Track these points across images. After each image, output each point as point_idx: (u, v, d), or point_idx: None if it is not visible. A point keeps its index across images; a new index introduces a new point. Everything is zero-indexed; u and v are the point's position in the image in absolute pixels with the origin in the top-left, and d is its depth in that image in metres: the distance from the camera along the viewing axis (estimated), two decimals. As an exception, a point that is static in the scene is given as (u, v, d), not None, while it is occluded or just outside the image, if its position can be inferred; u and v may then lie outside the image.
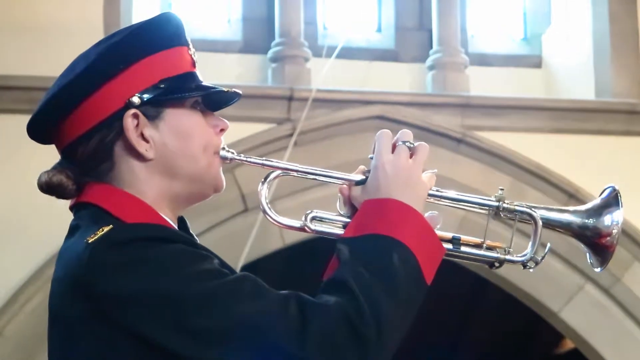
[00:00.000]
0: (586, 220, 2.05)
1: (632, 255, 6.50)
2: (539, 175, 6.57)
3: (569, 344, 8.69)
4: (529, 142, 6.63)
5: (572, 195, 6.51)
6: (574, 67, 7.06)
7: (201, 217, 5.79)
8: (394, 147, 1.97)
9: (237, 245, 6.08)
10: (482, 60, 7.20)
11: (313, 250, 6.78)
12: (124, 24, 6.12)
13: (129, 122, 1.92)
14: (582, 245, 2.07)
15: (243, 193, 6.12)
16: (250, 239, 6.12)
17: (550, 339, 9.17)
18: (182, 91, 1.95)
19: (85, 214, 1.92)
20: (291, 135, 6.32)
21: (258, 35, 6.92)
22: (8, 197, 5.90)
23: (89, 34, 5.80)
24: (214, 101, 2.03)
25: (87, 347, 1.81)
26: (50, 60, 5.76)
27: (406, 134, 1.99)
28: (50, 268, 6.07)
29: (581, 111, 6.72)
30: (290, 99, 6.38)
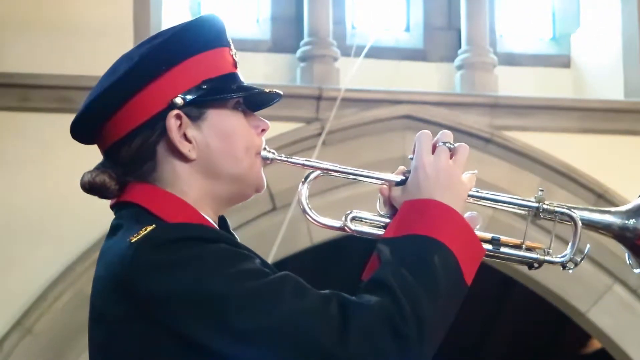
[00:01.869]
0: (626, 221, 2.04)
1: (661, 256, 6.47)
2: (567, 176, 6.56)
3: (596, 344, 8.67)
4: (557, 142, 6.62)
5: (601, 196, 6.49)
6: (603, 67, 7.04)
7: (230, 216, 5.76)
8: (434, 147, 1.97)
9: (265, 244, 6.09)
10: (511, 60, 7.18)
11: (340, 250, 6.81)
12: (153, 25, 6.16)
13: (172, 122, 1.92)
14: (621, 247, 2.07)
15: (272, 192, 6.15)
16: (279, 238, 6.14)
17: (577, 339, 9.15)
18: (225, 92, 1.96)
19: (127, 214, 1.93)
20: (319, 134, 6.33)
21: (287, 35, 6.94)
22: (39, 195, 5.93)
23: (119, 33, 5.85)
24: (254, 101, 2.04)
25: (129, 346, 1.82)
26: (81, 60, 5.83)
27: (446, 134, 1.99)
28: (81, 266, 6.18)
29: (610, 111, 6.70)
30: (318, 98, 6.40)
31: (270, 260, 6.06)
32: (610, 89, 6.92)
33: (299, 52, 6.73)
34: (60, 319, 5.86)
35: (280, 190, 6.07)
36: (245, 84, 2.01)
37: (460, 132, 6.39)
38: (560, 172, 6.57)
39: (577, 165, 6.59)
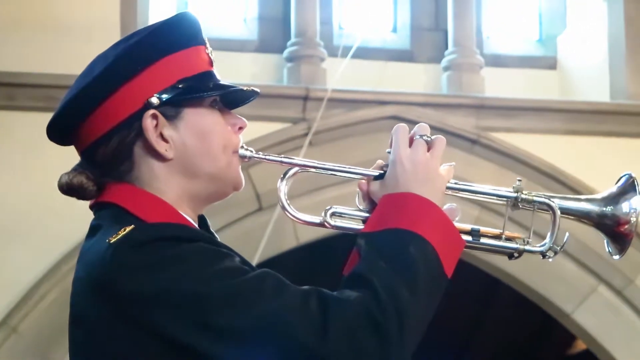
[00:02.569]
0: (604, 209, 2.06)
1: (646, 257, 6.49)
2: (553, 177, 6.57)
3: (581, 345, 8.69)
4: (543, 143, 6.63)
5: (586, 197, 6.50)
6: (589, 68, 7.06)
7: (215, 216, 5.80)
8: (411, 141, 1.98)
9: (251, 244, 6.10)
10: (497, 61, 7.20)
11: (327, 249, 6.81)
12: (140, 23, 6.15)
13: (148, 122, 1.92)
14: (600, 234, 2.07)
15: (258, 192, 6.14)
16: (265, 238, 6.14)
17: (562, 340, 9.17)
18: (201, 90, 1.96)
19: (106, 214, 1.93)
20: (306, 134, 6.34)
21: (274, 35, 6.94)
22: (24, 194, 5.92)
23: (105, 32, 5.84)
24: (231, 100, 2.03)
25: (110, 347, 1.82)
26: (67, 59, 5.82)
27: (423, 127, 1.99)
28: (66, 265, 6.16)
29: (596, 113, 6.72)
30: (305, 98, 6.40)
31: (256, 260, 6.06)
32: (596, 90, 6.94)
33: (286, 52, 6.74)
34: (45, 318, 5.85)
35: (266, 190, 6.07)
36: (221, 82, 2.00)
37: (447, 133, 6.39)
38: (546, 174, 6.58)
39: (563, 166, 6.60)
